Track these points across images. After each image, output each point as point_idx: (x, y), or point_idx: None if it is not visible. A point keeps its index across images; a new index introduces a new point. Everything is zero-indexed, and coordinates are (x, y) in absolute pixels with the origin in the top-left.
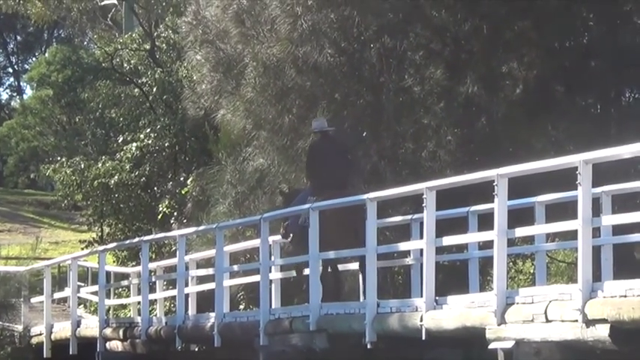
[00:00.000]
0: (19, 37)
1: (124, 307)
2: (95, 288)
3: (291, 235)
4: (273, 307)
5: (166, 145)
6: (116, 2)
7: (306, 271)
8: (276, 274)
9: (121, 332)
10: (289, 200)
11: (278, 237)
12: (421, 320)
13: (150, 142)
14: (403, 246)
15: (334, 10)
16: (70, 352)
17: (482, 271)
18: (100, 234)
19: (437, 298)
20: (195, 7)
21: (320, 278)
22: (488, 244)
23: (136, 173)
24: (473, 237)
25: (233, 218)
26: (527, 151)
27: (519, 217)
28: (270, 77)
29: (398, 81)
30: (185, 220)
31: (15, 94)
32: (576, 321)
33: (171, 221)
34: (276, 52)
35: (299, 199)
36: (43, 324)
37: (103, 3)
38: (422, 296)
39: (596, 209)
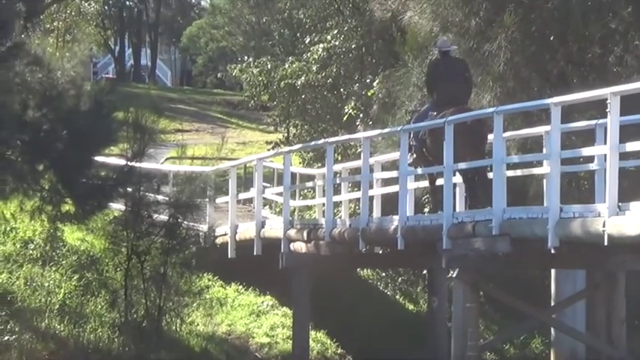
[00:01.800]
0: None
1: (308, 208)
2: (280, 189)
3: (414, 154)
4: (456, 210)
5: (353, 46)
6: None
7: (439, 181)
8: (459, 178)
9: (305, 234)
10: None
11: None
12: (603, 226)
13: (337, 43)
14: (587, 151)
15: None
16: (255, 253)
17: None
18: (286, 135)
19: (620, 204)
20: None
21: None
22: None
23: (323, 74)
24: None
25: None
26: None
27: None
28: None
29: None
30: (370, 122)
31: None
32: None
33: (357, 123)
34: None
35: (421, 114)
36: (227, 224)
37: None
38: (605, 202)
39: None
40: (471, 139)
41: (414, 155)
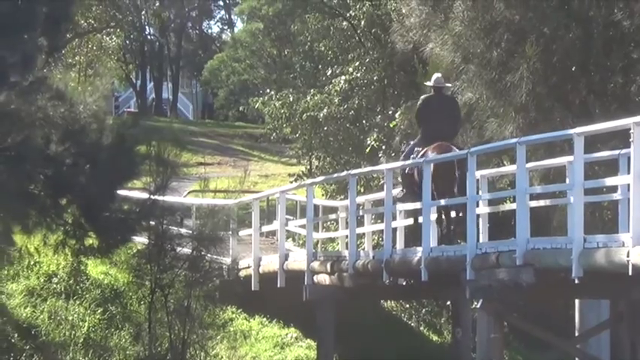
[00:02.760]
0: None
1: (331, 240)
2: (303, 221)
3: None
4: (480, 241)
5: (375, 78)
6: None
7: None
8: (484, 209)
9: (328, 266)
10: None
11: (485, 172)
12: (627, 256)
13: (359, 75)
14: (610, 181)
15: None
16: (278, 285)
17: None
18: (308, 167)
19: None
20: None
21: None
22: None
23: (345, 106)
24: None
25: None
26: None
27: None
28: (478, 10)
29: (607, 15)
30: (393, 154)
31: (226, 27)
32: None
33: (379, 155)
34: None
35: (408, 150)
36: (251, 257)
37: None
38: (629, 231)
39: None
40: (445, 176)
41: (404, 190)
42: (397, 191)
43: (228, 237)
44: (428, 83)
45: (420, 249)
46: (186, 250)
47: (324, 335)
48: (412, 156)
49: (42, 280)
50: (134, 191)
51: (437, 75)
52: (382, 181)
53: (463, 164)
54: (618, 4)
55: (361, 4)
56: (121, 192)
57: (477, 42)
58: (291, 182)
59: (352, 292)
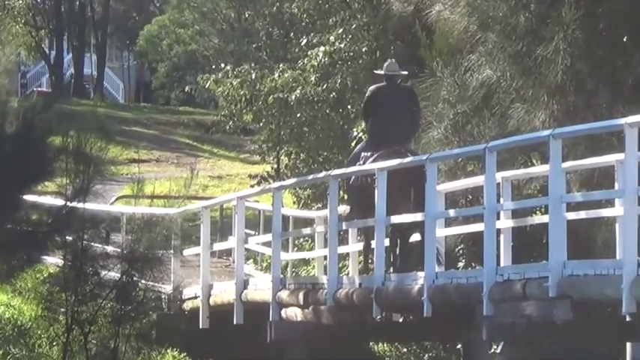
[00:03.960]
0: None
1: (305, 263)
2: (268, 237)
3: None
4: (501, 265)
5: (364, 50)
6: None
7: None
8: (506, 222)
9: (300, 296)
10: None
11: (507, 173)
12: None
13: (342, 46)
14: None
15: None
16: (235, 322)
17: None
18: (275, 166)
19: None
20: None
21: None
22: None
23: (324, 87)
24: None
25: (450, 147)
26: None
27: None
28: None
29: None
30: None
31: None
32: None
33: None
34: None
35: (353, 155)
36: (198, 284)
37: None
38: None
39: None
40: (399, 189)
41: (349, 207)
42: (343, 208)
43: (168, 257)
44: (378, 71)
45: (421, 274)
46: (114, 275)
47: None
48: (359, 163)
49: None
50: (45, 196)
51: (390, 61)
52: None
53: (421, 175)
54: None
55: None
56: (28, 197)
57: (498, 3)
58: (253, 186)
59: (332, 331)
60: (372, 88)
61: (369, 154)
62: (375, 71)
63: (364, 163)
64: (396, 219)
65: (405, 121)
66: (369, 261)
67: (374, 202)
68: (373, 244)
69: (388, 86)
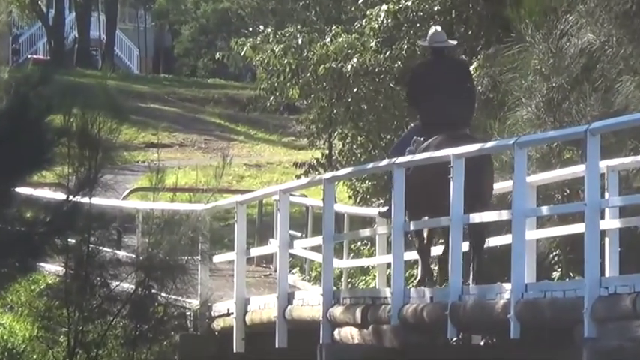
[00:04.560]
0: None
1: (363, 272)
2: (318, 240)
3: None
4: (606, 275)
5: (436, 9)
6: None
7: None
8: (612, 222)
9: (358, 313)
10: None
11: (614, 162)
12: None
13: (410, 3)
14: None
15: None
16: (277, 345)
17: None
18: (327, 152)
19: None
20: None
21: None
22: None
23: (387, 54)
24: None
25: (543, 130)
26: None
27: None
28: None
29: None
30: None
31: None
32: None
33: None
34: None
35: (402, 139)
36: (232, 298)
37: None
38: None
39: None
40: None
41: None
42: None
43: (194, 265)
44: (422, 43)
45: (507, 286)
46: (127, 286)
47: None
48: (409, 149)
49: None
50: (43, 189)
51: (435, 28)
52: (449, 176)
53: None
54: None
55: None
56: (22, 190)
57: None
58: (299, 177)
59: (397, 356)
60: (418, 63)
61: (421, 139)
62: (419, 42)
63: (417, 150)
64: (475, 217)
65: (460, 99)
66: (427, 268)
67: (435, 197)
68: (434, 248)
69: (437, 61)
